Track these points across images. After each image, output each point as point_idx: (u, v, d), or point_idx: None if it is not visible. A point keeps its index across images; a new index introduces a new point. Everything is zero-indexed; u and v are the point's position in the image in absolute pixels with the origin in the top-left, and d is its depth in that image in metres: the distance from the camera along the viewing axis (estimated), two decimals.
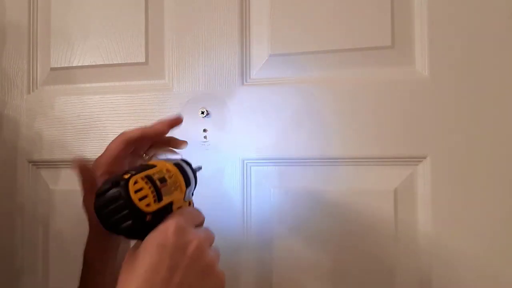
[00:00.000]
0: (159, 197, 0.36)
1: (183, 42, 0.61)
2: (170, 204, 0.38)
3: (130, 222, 0.34)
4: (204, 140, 0.57)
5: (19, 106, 0.66)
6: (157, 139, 0.48)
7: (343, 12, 0.55)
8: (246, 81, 0.59)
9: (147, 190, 0.35)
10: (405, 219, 0.53)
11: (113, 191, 0.34)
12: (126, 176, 0.35)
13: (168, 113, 0.60)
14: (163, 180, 0.37)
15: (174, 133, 0.59)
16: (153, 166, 0.38)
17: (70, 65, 0.65)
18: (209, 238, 0.38)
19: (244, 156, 0.58)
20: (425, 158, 0.52)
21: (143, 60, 0.62)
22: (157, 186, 0.36)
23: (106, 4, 0.63)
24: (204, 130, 0.58)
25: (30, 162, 0.66)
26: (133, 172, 0.35)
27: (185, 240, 0.35)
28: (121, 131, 0.61)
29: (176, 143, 0.50)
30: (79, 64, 0.64)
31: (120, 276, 0.34)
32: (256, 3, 0.59)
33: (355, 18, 0.55)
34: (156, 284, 0.32)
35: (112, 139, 0.61)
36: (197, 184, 0.45)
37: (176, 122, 0.47)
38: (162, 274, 0.33)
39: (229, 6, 0.59)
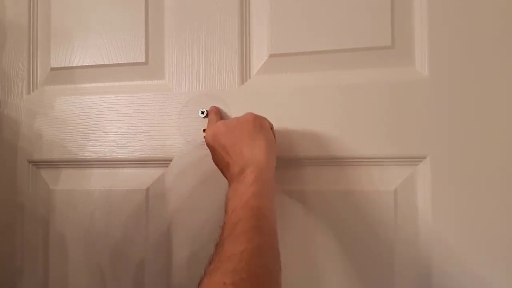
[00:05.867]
0: None
1: (183, 42, 0.61)
2: None
3: None
4: (204, 140, 0.57)
5: (19, 106, 0.66)
6: None
7: (343, 12, 0.55)
8: (246, 81, 0.59)
9: None
10: (405, 219, 0.53)
11: None
12: None
13: (168, 113, 0.60)
14: None
15: (173, 132, 0.60)
16: None
17: (70, 65, 0.65)
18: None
19: None
20: (425, 158, 0.52)
21: (143, 60, 0.62)
22: None
23: (106, 4, 0.64)
24: (204, 130, 0.58)
25: (30, 162, 0.66)
26: None
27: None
28: (121, 131, 0.62)
29: None
30: (79, 64, 0.64)
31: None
32: (256, 3, 0.59)
33: (355, 18, 0.55)
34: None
35: (112, 139, 0.62)
36: None
37: None
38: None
39: (229, 6, 0.59)
